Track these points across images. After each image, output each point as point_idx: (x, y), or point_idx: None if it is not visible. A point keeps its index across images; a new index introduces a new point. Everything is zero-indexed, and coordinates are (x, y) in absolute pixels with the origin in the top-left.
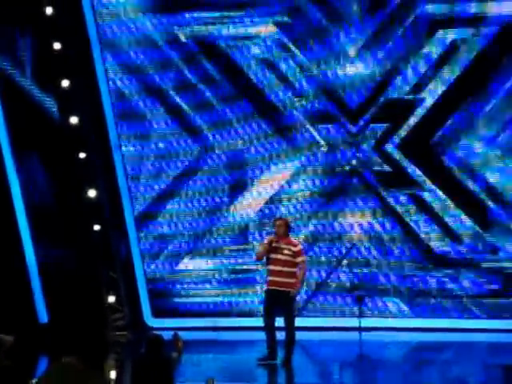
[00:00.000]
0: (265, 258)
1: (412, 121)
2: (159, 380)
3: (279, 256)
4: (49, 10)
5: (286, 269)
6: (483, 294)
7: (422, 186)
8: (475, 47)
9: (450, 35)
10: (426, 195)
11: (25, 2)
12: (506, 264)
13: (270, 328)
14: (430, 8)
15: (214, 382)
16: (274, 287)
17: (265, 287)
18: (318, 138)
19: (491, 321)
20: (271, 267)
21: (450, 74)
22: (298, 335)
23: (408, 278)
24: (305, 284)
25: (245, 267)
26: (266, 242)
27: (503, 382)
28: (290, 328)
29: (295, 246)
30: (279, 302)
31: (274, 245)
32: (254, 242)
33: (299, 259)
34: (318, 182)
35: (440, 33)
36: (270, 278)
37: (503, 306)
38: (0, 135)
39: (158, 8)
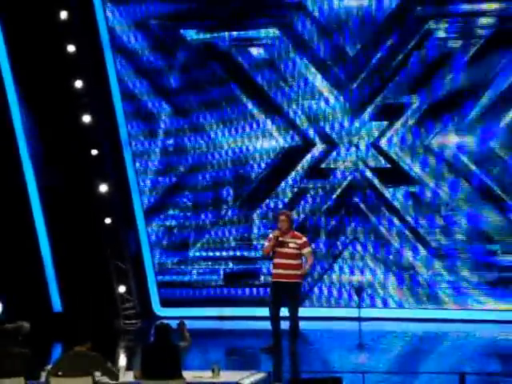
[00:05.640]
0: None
1: (408, 120)
2: (167, 367)
3: (285, 250)
4: (63, 15)
5: (291, 261)
6: (479, 285)
7: (419, 182)
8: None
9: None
10: (423, 191)
11: (40, 7)
12: (501, 257)
13: (275, 318)
14: (426, 10)
15: (219, 369)
16: (280, 279)
17: (271, 279)
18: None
19: (487, 312)
20: (277, 260)
21: (444, 74)
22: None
23: (406, 270)
24: (308, 274)
25: (250, 258)
26: (272, 236)
27: (500, 373)
28: (294, 318)
29: (300, 238)
30: (285, 293)
31: (279, 239)
32: (259, 234)
33: (305, 251)
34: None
35: (435, 33)
36: (277, 271)
37: (498, 298)
38: (18, 134)
39: (165, 13)
